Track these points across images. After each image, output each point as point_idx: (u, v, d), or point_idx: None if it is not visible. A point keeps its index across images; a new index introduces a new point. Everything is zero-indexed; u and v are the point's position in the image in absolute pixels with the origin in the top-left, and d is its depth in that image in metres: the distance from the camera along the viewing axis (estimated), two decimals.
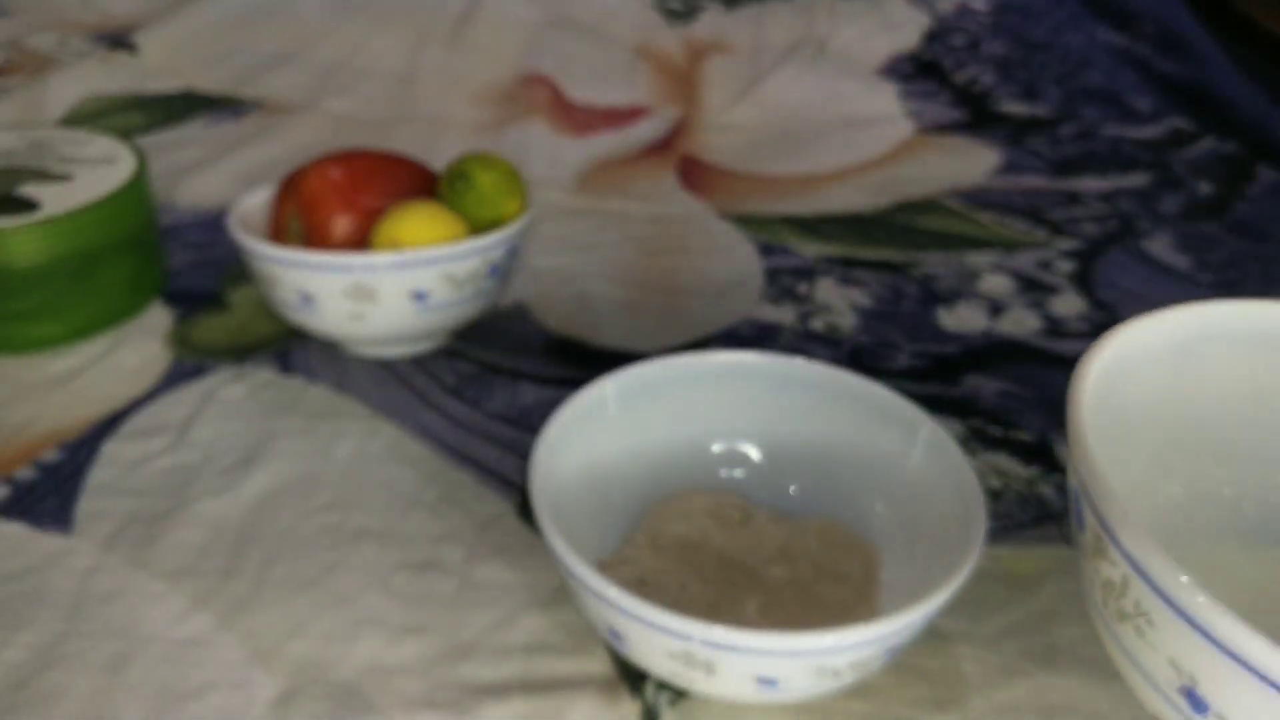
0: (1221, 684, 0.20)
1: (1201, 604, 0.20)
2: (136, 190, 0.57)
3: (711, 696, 0.36)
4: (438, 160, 0.56)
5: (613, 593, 0.33)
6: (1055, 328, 0.59)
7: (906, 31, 1.02)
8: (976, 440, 0.50)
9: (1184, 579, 0.21)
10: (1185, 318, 0.30)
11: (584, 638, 0.39)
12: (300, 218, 0.53)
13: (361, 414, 0.51)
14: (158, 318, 0.59)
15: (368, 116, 0.88)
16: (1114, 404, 0.28)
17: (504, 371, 0.55)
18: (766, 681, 0.33)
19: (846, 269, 0.65)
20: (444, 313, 0.52)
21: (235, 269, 0.62)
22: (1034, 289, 0.63)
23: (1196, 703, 0.21)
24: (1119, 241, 0.69)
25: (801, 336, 0.58)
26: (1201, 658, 0.20)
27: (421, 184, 0.54)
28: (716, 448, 0.45)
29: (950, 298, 0.62)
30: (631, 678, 0.38)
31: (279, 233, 0.54)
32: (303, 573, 0.42)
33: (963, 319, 0.60)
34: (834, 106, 0.88)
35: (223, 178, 0.75)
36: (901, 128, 0.86)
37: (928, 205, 0.73)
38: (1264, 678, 0.19)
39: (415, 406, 0.52)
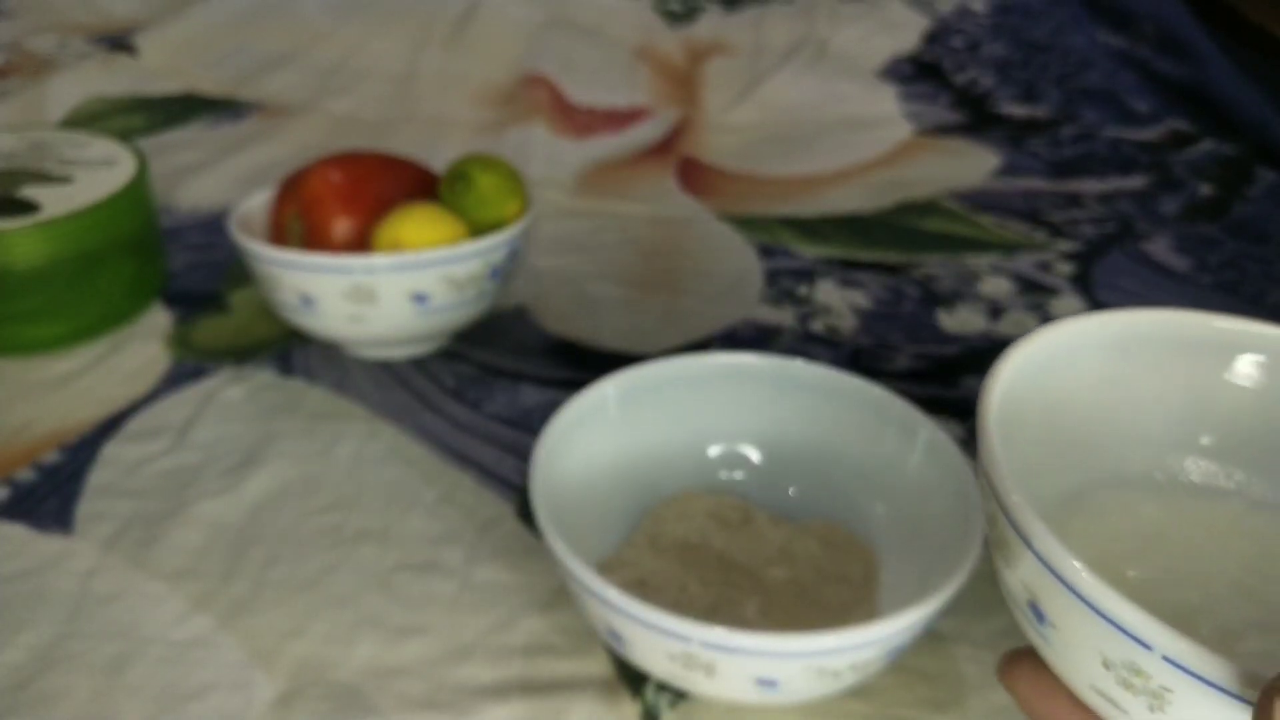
0: (1053, 599, 0.24)
1: (1032, 524, 0.24)
2: (137, 192, 0.57)
3: (711, 698, 0.36)
4: (438, 161, 0.56)
5: (613, 594, 0.33)
6: None
7: (906, 33, 1.02)
8: (976, 442, 0.50)
9: (1017, 498, 0.24)
10: (1116, 320, 0.31)
11: (584, 639, 0.39)
12: (300, 219, 0.53)
13: (362, 415, 0.52)
14: (158, 319, 0.59)
15: (368, 117, 0.88)
16: (1029, 395, 0.29)
17: (504, 373, 0.55)
18: (766, 683, 0.33)
19: (846, 270, 0.65)
20: (444, 314, 0.52)
21: (235, 271, 0.62)
22: (1034, 291, 0.63)
23: (1039, 615, 0.25)
24: (1118, 243, 0.69)
25: (801, 338, 0.58)
26: (1038, 577, 0.24)
27: (421, 185, 0.55)
28: (716, 449, 0.45)
29: (950, 299, 0.62)
30: (631, 679, 0.38)
31: (279, 234, 0.54)
32: (303, 574, 0.42)
33: (962, 321, 0.60)
34: (834, 108, 0.88)
35: (223, 179, 0.75)
36: (901, 129, 0.86)
37: (927, 207, 0.73)
38: (1075, 592, 0.23)
39: (415, 408, 0.52)
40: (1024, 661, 0.28)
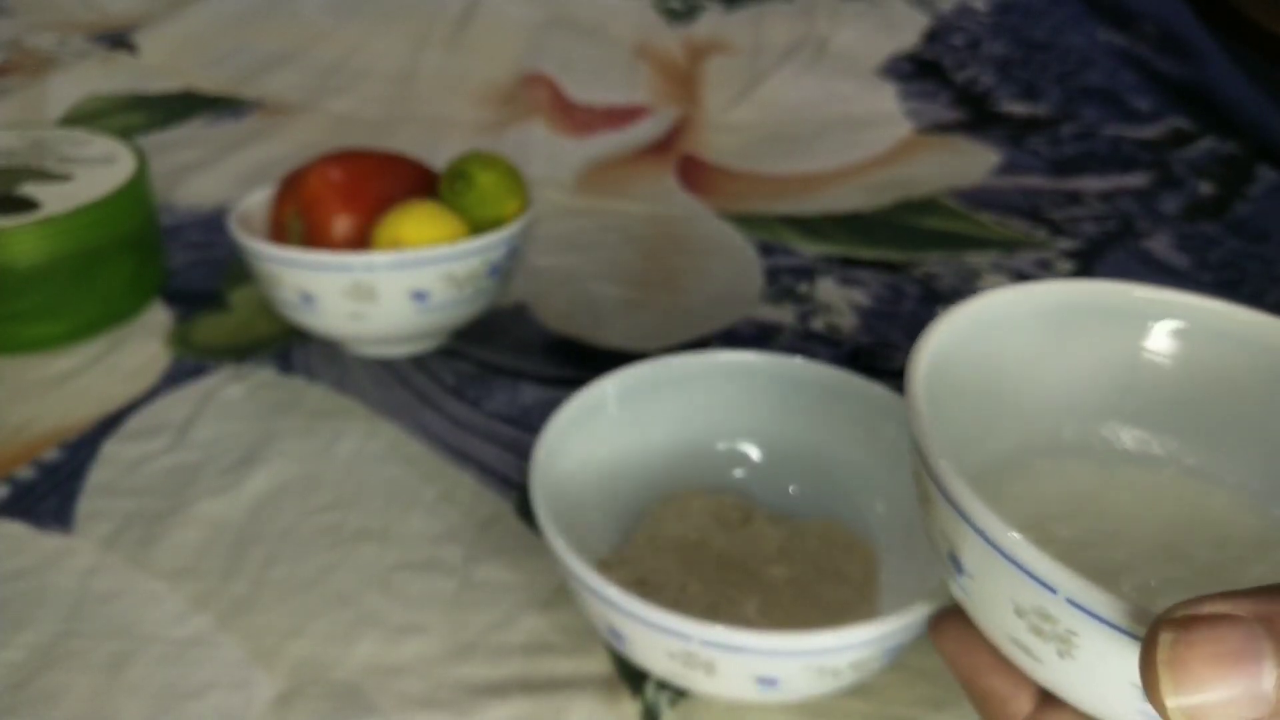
0: (968, 548, 0.25)
1: (946, 474, 0.24)
2: (136, 190, 0.57)
3: (711, 696, 0.36)
4: (438, 160, 0.56)
5: (613, 593, 0.33)
6: None
7: (906, 31, 1.02)
8: None
9: (942, 461, 0.25)
10: (1049, 290, 0.31)
11: (584, 638, 0.39)
12: (300, 217, 0.53)
13: (361, 414, 0.51)
14: (158, 317, 0.59)
15: (368, 116, 0.88)
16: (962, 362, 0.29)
17: (504, 371, 0.55)
18: (766, 681, 0.33)
19: (846, 269, 0.65)
20: (444, 312, 0.52)
21: (235, 269, 0.62)
22: None
23: (958, 565, 0.26)
24: (1119, 241, 0.69)
25: (801, 336, 0.58)
26: (954, 525, 0.25)
27: (421, 184, 0.54)
28: (716, 448, 0.45)
29: (950, 297, 0.62)
30: (631, 678, 0.38)
31: (279, 233, 0.54)
32: (303, 573, 0.42)
33: None
34: (834, 106, 0.88)
35: (223, 178, 0.75)
36: (901, 127, 0.86)
37: (928, 205, 0.73)
38: (985, 538, 0.24)
39: (415, 406, 0.52)
40: (951, 619, 0.30)
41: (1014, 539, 0.23)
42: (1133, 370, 0.32)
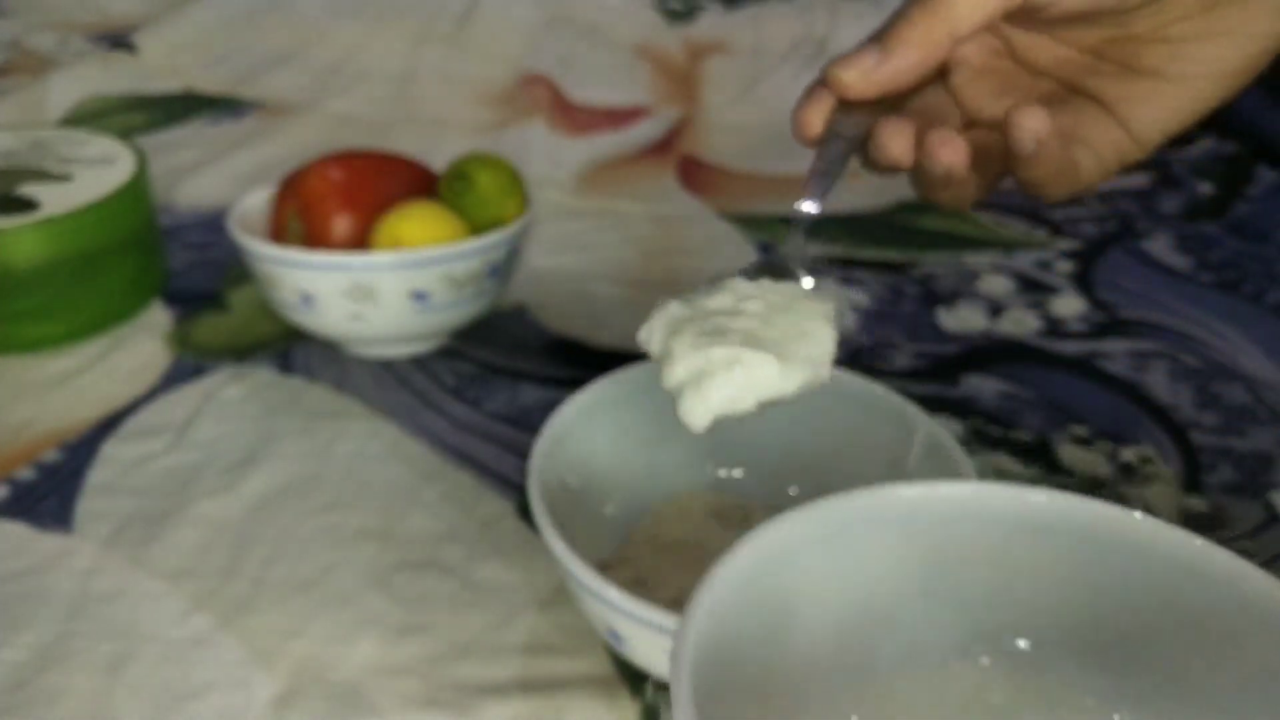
0: None
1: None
2: (136, 190, 0.57)
3: None
4: (438, 160, 0.56)
5: (612, 593, 0.33)
6: (1055, 328, 0.59)
7: None
8: (976, 440, 0.50)
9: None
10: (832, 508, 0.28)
11: (583, 638, 0.39)
12: (300, 218, 0.53)
13: (361, 414, 0.51)
14: (158, 318, 0.59)
15: (368, 116, 0.88)
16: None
17: (504, 371, 0.55)
18: None
19: (846, 269, 0.65)
20: (444, 313, 0.52)
21: (235, 269, 0.62)
22: (1034, 289, 0.63)
23: None
24: (1119, 242, 0.69)
25: None
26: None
27: (421, 184, 0.54)
28: (715, 448, 0.45)
29: (950, 298, 0.62)
30: (631, 678, 0.38)
31: (279, 233, 0.54)
32: (303, 573, 0.42)
33: (962, 319, 0.60)
34: None
35: (222, 178, 0.75)
36: None
37: (927, 205, 0.73)
38: None
39: (415, 406, 0.52)
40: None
41: None
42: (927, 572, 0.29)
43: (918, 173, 0.37)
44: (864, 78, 0.34)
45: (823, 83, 0.36)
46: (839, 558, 0.28)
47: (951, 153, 0.35)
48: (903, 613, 0.29)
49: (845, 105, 0.36)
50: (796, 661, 0.28)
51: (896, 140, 0.36)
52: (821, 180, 0.36)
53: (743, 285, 0.36)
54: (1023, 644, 0.30)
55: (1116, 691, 0.29)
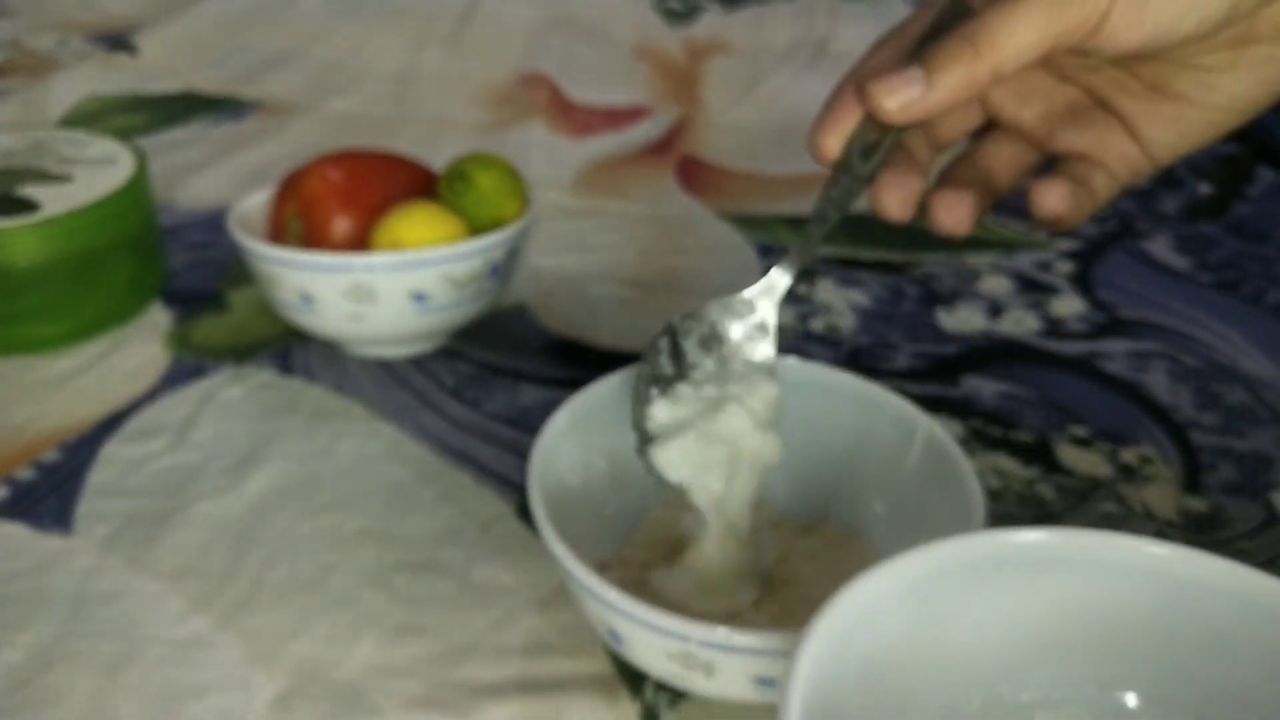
0: None
1: None
2: (136, 191, 0.57)
3: (711, 697, 0.36)
4: (438, 160, 0.56)
5: (612, 594, 0.33)
6: (1055, 328, 0.59)
7: None
8: (976, 441, 0.50)
9: None
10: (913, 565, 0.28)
11: (583, 638, 0.39)
12: (300, 218, 0.53)
13: (361, 415, 0.52)
14: (158, 318, 0.59)
15: (368, 116, 0.88)
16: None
17: (504, 372, 0.55)
18: (765, 682, 0.33)
19: (846, 269, 0.65)
20: (444, 313, 0.52)
21: (235, 269, 0.62)
22: (1033, 289, 0.63)
23: None
24: (1118, 242, 0.69)
25: (801, 337, 0.58)
26: None
27: (421, 184, 0.54)
28: None
29: (950, 298, 0.62)
30: (631, 678, 0.38)
31: (279, 233, 0.54)
32: (303, 573, 0.42)
33: (962, 319, 0.60)
34: None
35: (222, 178, 0.75)
36: None
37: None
38: None
39: (415, 407, 0.52)
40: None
41: None
42: (1025, 619, 0.29)
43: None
44: (905, 110, 0.34)
45: (842, 97, 0.37)
46: (934, 608, 0.28)
47: (954, 221, 0.37)
48: (998, 664, 0.29)
49: (866, 125, 0.36)
50: (889, 713, 0.27)
51: (894, 196, 0.37)
52: (816, 233, 0.38)
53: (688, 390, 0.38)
54: (1131, 700, 0.29)
55: None
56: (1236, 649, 0.27)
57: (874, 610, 0.27)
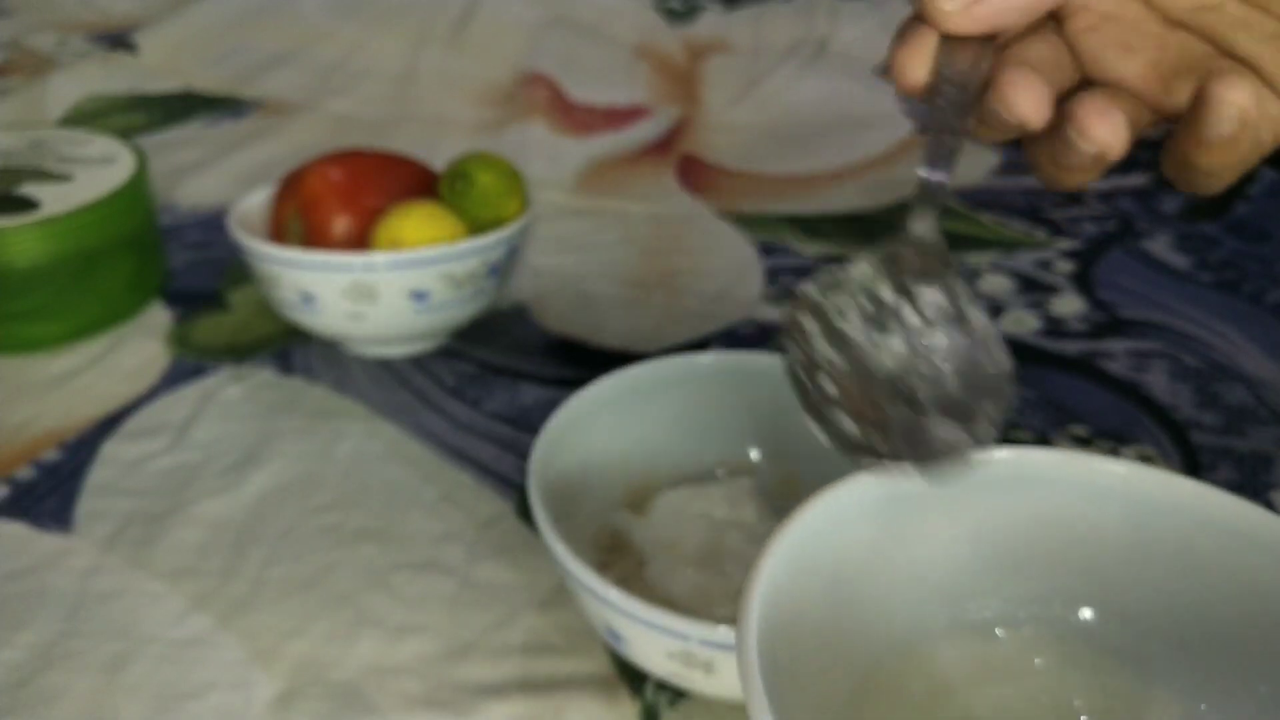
0: None
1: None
2: (136, 190, 0.57)
3: (711, 696, 0.36)
4: (438, 160, 0.56)
5: (612, 594, 0.33)
6: (1055, 328, 0.59)
7: None
8: None
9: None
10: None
11: (583, 638, 0.39)
12: (300, 218, 0.53)
13: (361, 414, 0.51)
14: (157, 318, 0.59)
15: (368, 116, 0.88)
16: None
17: (504, 371, 0.55)
18: None
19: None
20: (444, 312, 0.52)
21: (235, 269, 0.62)
22: (1034, 289, 0.63)
23: None
24: (1119, 241, 0.69)
25: None
26: None
27: (421, 184, 0.54)
28: (715, 448, 0.45)
29: None
30: (631, 678, 0.38)
31: (279, 233, 0.54)
32: (303, 573, 0.42)
33: None
34: (834, 106, 0.88)
35: (222, 178, 0.75)
36: (901, 128, 0.85)
37: None
38: None
39: (415, 406, 0.52)
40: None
41: None
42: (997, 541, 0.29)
43: (1051, 143, 0.31)
44: (965, 9, 0.28)
45: (917, 18, 0.30)
46: (898, 527, 0.28)
47: (1109, 130, 0.29)
48: (963, 582, 0.29)
49: (948, 46, 0.29)
50: (851, 625, 0.28)
51: (1025, 94, 0.29)
52: (945, 141, 0.29)
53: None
54: (1088, 614, 0.29)
55: (1172, 667, 0.28)
56: (1196, 566, 0.28)
57: (837, 525, 0.27)
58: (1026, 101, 0.29)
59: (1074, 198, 0.74)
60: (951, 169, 0.29)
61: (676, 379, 0.44)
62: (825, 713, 0.25)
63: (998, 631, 0.29)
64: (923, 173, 0.29)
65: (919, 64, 0.30)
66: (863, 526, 0.28)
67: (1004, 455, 0.28)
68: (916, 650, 0.29)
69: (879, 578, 0.28)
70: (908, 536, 0.28)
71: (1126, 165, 0.81)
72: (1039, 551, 0.29)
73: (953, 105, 0.29)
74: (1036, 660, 0.29)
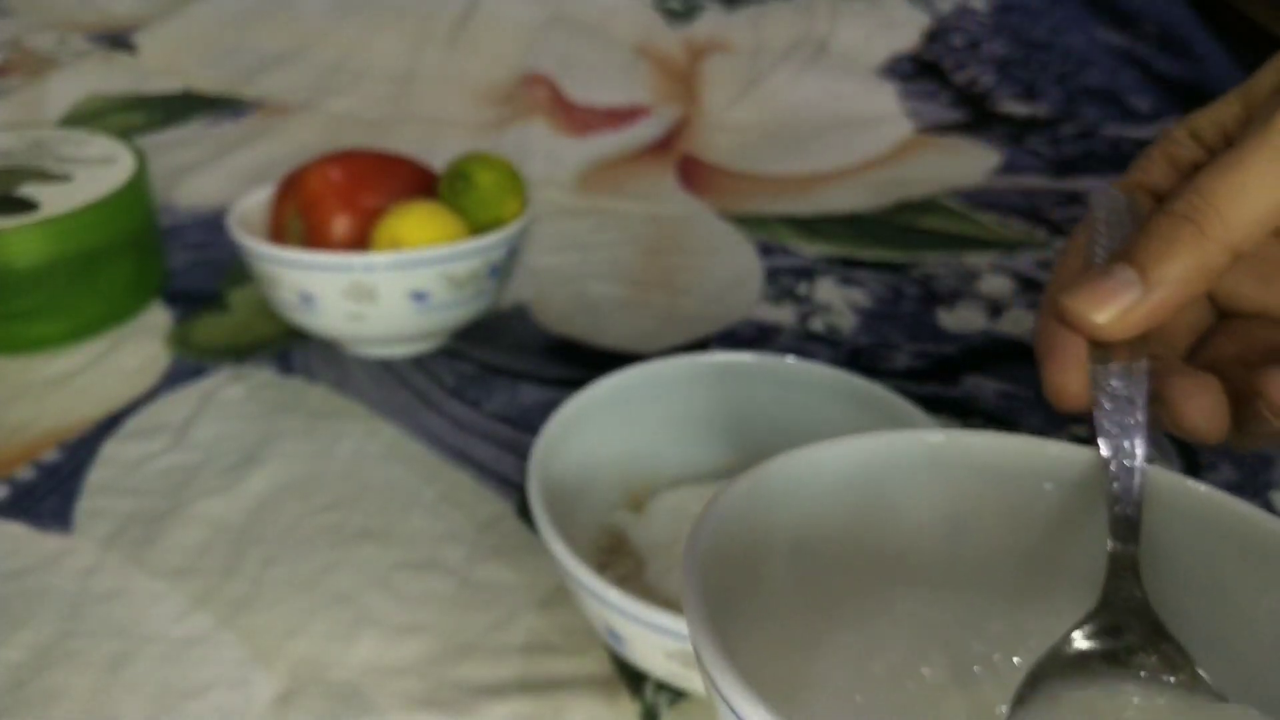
0: None
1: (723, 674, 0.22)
2: (136, 190, 0.57)
3: None
4: (438, 160, 0.56)
5: (612, 594, 0.33)
6: None
7: (906, 31, 1.02)
8: None
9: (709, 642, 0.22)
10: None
11: (583, 638, 0.39)
12: (300, 218, 0.53)
13: (361, 414, 0.51)
14: (157, 318, 0.59)
15: (368, 116, 0.88)
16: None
17: (504, 372, 0.55)
18: None
19: (846, 269, 0.65)
20: (444, 313, 0.52)
21: (235, 269, 0.62)
22: (1034, 289, 0.63)
23: None
24: None
25: (801, 337, 0.58)
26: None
27: (421, 184, 0.55)
28: (715, 448, 0.45)
29: (950, 298, 0.62)
30: (631, 678, 0.38)
31: (279, 233, 0.54)
32: (303, 572, 0.42)
33: (962, 319, 0.60)
34: (834, 106, 0.88)
35: (222, 178, 0.75)
36: (901, 128, 0.86)
37: (928, 205, 0.73)
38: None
39: (415, 407, 0.52)
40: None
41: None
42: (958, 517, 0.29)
43: (1237, 411, 0.29)
44: (1123, 319, 0.27)
45: (1052, 327, 0.29)
46: (867, 499, 0.29)
47: (1204, 418, 0.28)
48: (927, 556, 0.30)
49: (1101, 351, 0.28)
50: (777, 587, 0.28)
51: (1197, 407, 0.28)
52: (1124, 503, 0.26)
53: None
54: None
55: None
56: (1175, 559, 0.27)
57: (796, 487, 0.28)
58: (1198, 413, 0.28)
59: (1074, 198, 0.74)
60: (1139, 535, 0.26)
61: (676, 379, 0.44)
62: (772, 621, 0.26)
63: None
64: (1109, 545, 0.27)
65: (1077, 384, 0.29)
66: (823, 498, 0.28)
67: (985, 441, 0.29)
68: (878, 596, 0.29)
69: (846, 551, 0.29)
70: (875, 510, 0.29)
71: (1126, 165, 0.81)
72: (1012, 542, 0.29)
73: (1131, 423, 0.27)
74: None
